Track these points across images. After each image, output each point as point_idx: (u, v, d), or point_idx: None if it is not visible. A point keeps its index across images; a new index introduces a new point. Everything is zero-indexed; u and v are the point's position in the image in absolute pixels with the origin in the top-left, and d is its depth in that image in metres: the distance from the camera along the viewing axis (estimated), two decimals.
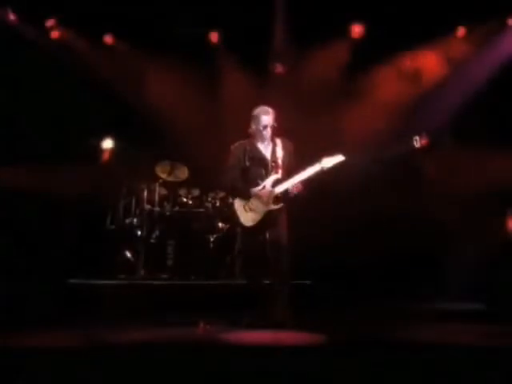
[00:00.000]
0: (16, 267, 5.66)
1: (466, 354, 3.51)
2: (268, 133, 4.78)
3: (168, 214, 6.75)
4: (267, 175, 4.77)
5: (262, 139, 4.82)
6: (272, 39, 6.81)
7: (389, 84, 6.67)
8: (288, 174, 4.72)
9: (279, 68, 7.06)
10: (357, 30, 6.83)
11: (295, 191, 4.68)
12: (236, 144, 4.90)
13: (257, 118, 4.80)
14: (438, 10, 6.33)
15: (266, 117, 4.76)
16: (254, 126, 4.81)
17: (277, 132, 4.90)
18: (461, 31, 6.76)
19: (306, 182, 4.70)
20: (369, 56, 6.62)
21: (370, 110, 5.73)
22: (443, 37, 6.77)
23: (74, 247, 6.25)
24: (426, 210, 5.41)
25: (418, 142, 4.89)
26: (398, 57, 6.77)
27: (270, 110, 4.79)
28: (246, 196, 4.73)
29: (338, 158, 4.65)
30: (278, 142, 4.84)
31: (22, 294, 5.05)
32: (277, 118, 4.90)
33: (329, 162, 4.63)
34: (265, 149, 4.84)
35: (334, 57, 6.96)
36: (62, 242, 6.14)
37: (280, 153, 4.80)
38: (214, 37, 6.99)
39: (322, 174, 4.71)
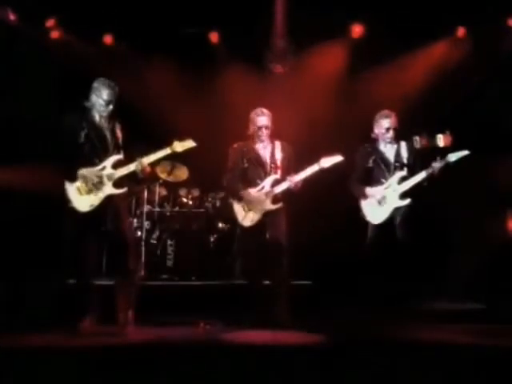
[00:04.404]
0: (16, 267, 5.65)
1: (465, 354, 3.52)
2: (264, 133, 4.82)
3: (168, 214, 6.75)
4: (266, 175, 4.80)
5: (260, 140, 4.86)
6: (272, 39, 6.80)
7: (388, 84, 6.67)
8: (287, 174, 4.76)
9: (279, 68, 7.06)
10: (357, 29, 6.83)
11: (295, 189, 4.72)
12: (234, 146, 4.96)
13: (253, 120, 4.86)
14: (438, 10, 6.33)
15: (261, 118, 4.84)
16: (251, 127, 4.85)
17: (276, 134, 4.95)
18: (461, 31, 6.76)
19: (305, 181, 4.75)
20: (369, 56, 6.62)
21: (368, 109, 5.72)
22: (443, 37, 6.78)
23: (74, 247, 6.23)
24: (426, 210, 5.41)
25: (417, 143, 4.91)
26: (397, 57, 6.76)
27: (266, 112, 4.86)
28: (238, 198, 4.77)
29: (337, 159, 4.71)
30: (278, 144, 4.90)
31: (22, 294, 5.05)
32: (275, 119, 4.95)
33: (327, 161, 4.70)
34: (263, 150, 4.89)
35: (333, 57, 6.96)
36: (62, 242, 6.13)
37: (279, 154, 4.86)
38: (214, 37, 6.99)
39: (321, 173, 4.78)
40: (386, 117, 4.96)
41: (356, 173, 5.08)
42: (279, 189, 4.76)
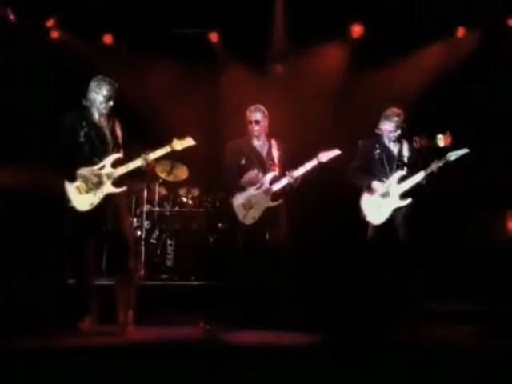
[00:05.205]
0: (16, 267, 5.65)
1: (465, 355, 3.52)
2: (255, 128, 4.84)
3: (168, 213, 6.75)
4: (265, 172, 4.82)
5: (256, 137, 4.89)
6: (271, 39, 6.81)
7: (388, 84, 6.67)
8: (285, 171, 4.79)
9: (279, 68, 7.06)
10: (357, 30, 6.82)
11: (294, 185, 4.75)
12: (231, 142, 4.99)
13: (246, 115, 4.94)
14: (437, 9, 6.33)
15: (254, 113, 4.88)
16: (247, 124, 4.90)
17: (275, 133, 4.97)
18: (461, 31, 6.76)
19: (304, 177, 4.81)
20: (369, 56, 6.62)
21: (368, 109, 5.72)
22: (443, 37, 6.78)
23: (74, 247, 6.23)
24: (426, 210, 5.42)
25: (417, 143, 4.91)
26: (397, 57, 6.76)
27: (260, 108, 4.89)
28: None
29: (334, 153, 4.76)
30: (274, 143, 4.94)
31: (22, 294, 5.05)
32: (275, 119, 4.96)
33: (325, 156, 4.75)
34: (261, 147, 4.92)
35: (333, 57, 6.96)
36: (62, 242, 6.13)
37: (276, 152, 4.90)
38: (213, 37, 6.98)
39: (322, 174, 4.81)
40: (397, 115, 4.94)
41: (357, 161, 5.06)
42: (278, 186, 4.78)
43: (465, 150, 4.79)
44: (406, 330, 4.34)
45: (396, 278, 4.79)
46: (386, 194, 4.89)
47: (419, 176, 4.83)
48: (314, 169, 4.83)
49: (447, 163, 4.79)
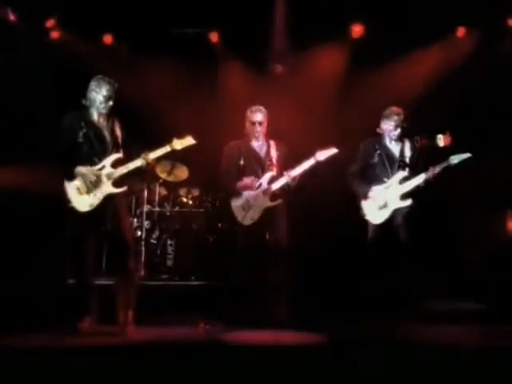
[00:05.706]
0: (16, 267, 5.65)
1: (465, 355, 3.52)
2: (257, 130, 4.84)
3: (168, 214, 6.75)
4: (263, 173, 4.83)
5: (256, 138, 4.89)
6: (271, 39, 6.80)
7: (388, 84, 6.67)
8: (283, 171, 4.78)
9: (279, 68, 7.06)
10: (357, 30, 6.82)
11: (293, 184, 4.74)
12: (229, 144, 4.99)
13: (247, 116, 4.92)
14: (438, 10, 6.33)
15: (255, 114, 4.88)
16: (247, 124, 4.89)
17: (275, 133, 4.96)
18: (461, 31, 6.76)
19: (302, 176, 4.79)
20: (369, 56, 6.61)
21: (368, 109, 5.72)
22: (443, 37, 6.78)
23: (74, 247, 6.23)
24: (427, 210, 5.42)
25: (417, 143, 4.91)
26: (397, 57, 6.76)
27: (261, 109, 4.90)
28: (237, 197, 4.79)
29: (332, 151, 4.75)
30: (273, 143, 4.95)
31: (22, 294, 5.05)
32: (275, 119, 4.96)
33: (323, 154, 4.73)
34: (259, 148, 4.93)
35: (333, 57, 6.96)
36: (62, 242, 6.13)
37: (274, 153, 4.90)
38: (213, 37, 6.98)
39: (322, 175, 4.82)
40: (396, 114, 4.93)
41: (356, 165, 5.06)
42: (277, 185, 4.78)
43: (467, 155, 4.77)
44: (406, 329, 4.35)
45: (396, 277, 4.79)
46: (383, 206, 4.88)
47: (420, 178, 4.82)
48: (312, 168, 4.81)
49: (448, 166, 4.79)
